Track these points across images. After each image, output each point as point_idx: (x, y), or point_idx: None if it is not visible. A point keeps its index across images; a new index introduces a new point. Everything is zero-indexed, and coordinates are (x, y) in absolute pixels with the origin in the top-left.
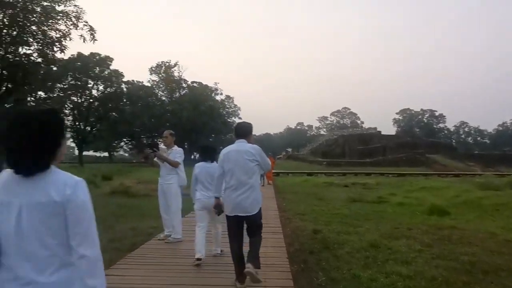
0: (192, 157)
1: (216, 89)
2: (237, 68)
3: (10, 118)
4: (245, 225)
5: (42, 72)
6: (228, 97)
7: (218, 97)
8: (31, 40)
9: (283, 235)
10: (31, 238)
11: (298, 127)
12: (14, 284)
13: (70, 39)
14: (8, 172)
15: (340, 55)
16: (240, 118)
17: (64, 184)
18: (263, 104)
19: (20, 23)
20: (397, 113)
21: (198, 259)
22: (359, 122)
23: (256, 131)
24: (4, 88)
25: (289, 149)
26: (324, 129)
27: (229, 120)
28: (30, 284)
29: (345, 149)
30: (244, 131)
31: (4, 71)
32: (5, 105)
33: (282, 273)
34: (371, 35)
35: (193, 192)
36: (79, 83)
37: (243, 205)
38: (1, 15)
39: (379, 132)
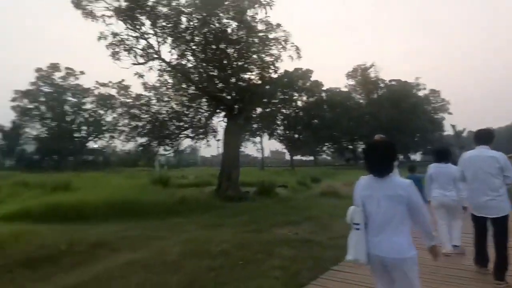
0: None
1: (418, 85)
2: (446, 61)
3: (368, 146)
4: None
5: (261, 91)
6: (433, 91)
7: (420, 93)
8: (252, 66)
9: None
10: (386, 215)
11: None
12: (375, 241)
13: (281, 61)
14: (365, 177)
15: None
16: (449, 113)
17: (404, 184)
18: (481, 95)
19: (245, 55)
20: None
21: (445, 254)
22: None
23: (471, 125)
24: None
25: None
26: None
27: (436, 117)
28: (385, 241)
29: None
30: (486, 137)
31: (236, 96)
32: (238, 121)
33: None
34: None
35: (429, 190)
36: (286, 96)
37: (488, 206)
38: (233, 50)
39: None
